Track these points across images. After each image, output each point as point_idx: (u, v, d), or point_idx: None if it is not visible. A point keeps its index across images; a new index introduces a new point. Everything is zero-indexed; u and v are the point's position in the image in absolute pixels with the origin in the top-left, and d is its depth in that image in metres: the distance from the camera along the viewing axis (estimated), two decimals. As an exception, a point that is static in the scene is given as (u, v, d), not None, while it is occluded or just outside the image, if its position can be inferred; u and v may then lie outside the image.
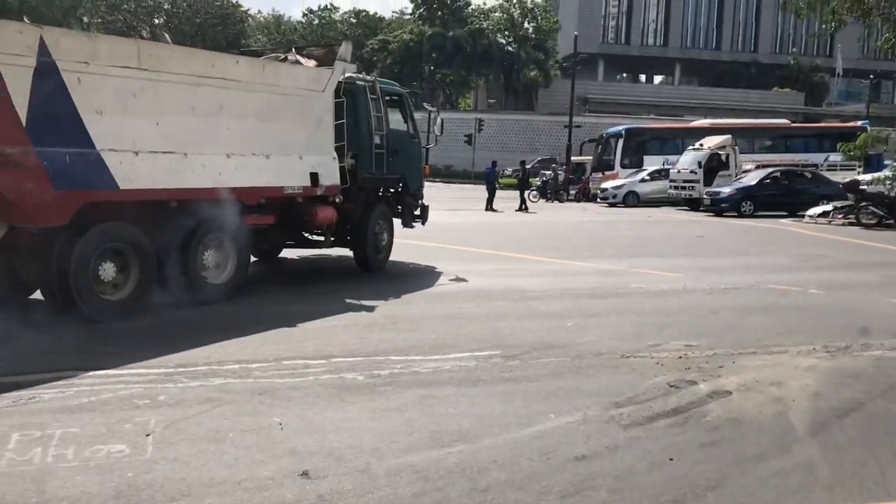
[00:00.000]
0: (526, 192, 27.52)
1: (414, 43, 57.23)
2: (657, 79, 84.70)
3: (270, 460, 4.20)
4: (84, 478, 3.92)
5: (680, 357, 6.54)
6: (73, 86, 7.18)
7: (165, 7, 65.18)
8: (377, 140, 10.99)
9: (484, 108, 61.10)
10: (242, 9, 68.43)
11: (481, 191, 27.20)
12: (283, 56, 10.90)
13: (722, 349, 6.83)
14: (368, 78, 11.35)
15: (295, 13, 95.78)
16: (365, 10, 71.94)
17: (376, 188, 11.50)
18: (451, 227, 16.01)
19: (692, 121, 42.07)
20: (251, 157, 9.04)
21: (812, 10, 21.09)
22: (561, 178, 34.95)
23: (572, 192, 35.25)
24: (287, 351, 6.50)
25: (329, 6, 71.27)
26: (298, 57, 10.84)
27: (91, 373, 5.73)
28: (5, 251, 7.14)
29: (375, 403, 5.18)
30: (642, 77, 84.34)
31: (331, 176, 10.13)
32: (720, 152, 28.43)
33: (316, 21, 70.18)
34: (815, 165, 30.69)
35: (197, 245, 8.54)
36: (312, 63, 10.68)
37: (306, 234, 10.84)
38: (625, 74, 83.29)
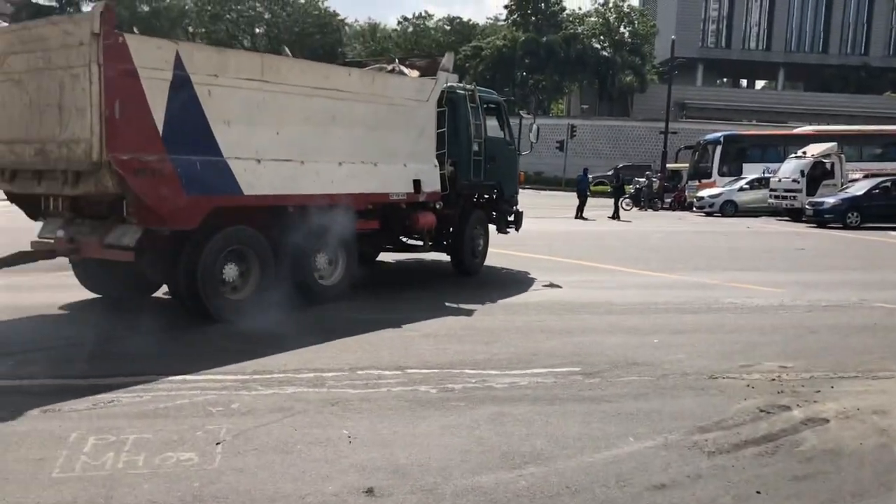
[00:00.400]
0: (620, 200, 26.88)
1: (507, 49, 56.97)
2: (759, 84, 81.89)
3: (336, 475, 4.12)
4: (151, 486, 3.93)
5: (773, 379, 6.17)
6: (204, 97, 7.61)
7: (266, 17, 67.20)
8: (475, 147, 11.40)
9: (577, 114, 60.39)
10: (339, 18, 69.97)
11: (573, 198, 26.76)
12: (388, 67, 11.25)
13: (820, 372, 6.41)
14: (468, 87, 11.75)
15: (390, 21, 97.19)
16: (459, 17, 72.21)
17: (473, 194, 11.89)
18: (538, 234, 15.72)
19: (795, 127, 40.35)
20: (360, 164, 9.43)
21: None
22: (655, 185, 34.10)
23: (667, 200, 34.37)
24: (363, 360, 6.45)
25: (423, 14, 71.96)
26: (402, 67, 11.24)
27: (170, 378, 5.81)
28: (136, 252, 7.57)
29: (447, 419, 5.05)
30: (743, 82, 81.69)
31: (432, 183, 10.48)
32: (825, 160, 27.13)
33: (410, 28, 70.86)
34: (931, 175, 28.93)
35: (310, 248, 8.95)
36: (416, 73, 11.07)
37: (404, 239, 11.16)
38: (725, 79, 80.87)
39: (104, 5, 6.88)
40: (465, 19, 71.64)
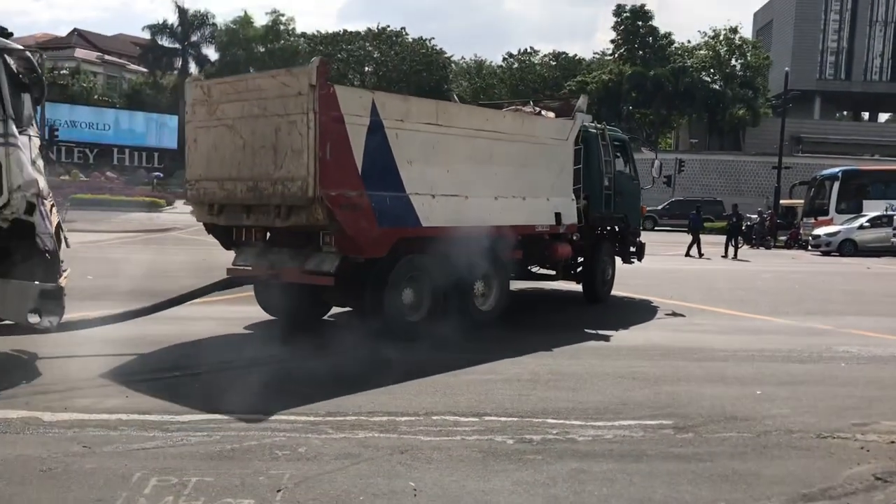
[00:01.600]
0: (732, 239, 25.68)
1: (613, 83, 56.28)
2: (882, 117, 77.89)
3: (395, 533, 3.86)
4: (203, 535, 3.77)
5: (892, 441, 5.54)
6: (392, 140, 8.65)
7: (375, 56, 68.85)
8: (606, 182, 12.45)
9: (686, 148, 58.85)
10: (446, 55, 70.94)
11: (679, 234, 25.83)
12: (525, 109, 12.16)
13: (947, 435, 5.72)
14: (599, 126, 12.74)
15: (496, 58, 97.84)
16: (564, 53, 71.94)
17: (604, 226, 12.85)
18: (641, 273, 15.11)
19: (922, 162, 37.96)
20: (512, 199, 10.36)
21: None
22: (767, 222, 32.63)
23: (782, 238, 32.82)
24: (440, 404, 6.19)
25: (529, 50, 72.04)
26: (537, 108, 12.21)
27: (244, 416, 5.71)
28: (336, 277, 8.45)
29: (521, 474, 4.72)
30: (865, 115, 77.86)
31: (570, 215, 11.39)
32: (955, 197, 25.30)
33: (515, 65, 71.11)
34: None
35: (472, 276, 9.74)
36: (551, 114, 12.00)
37: (536, 269, 12.14)
38: (845, 112, 77.33)
39: (319, 61, 8.01)
40: (570, 55, 71.39)
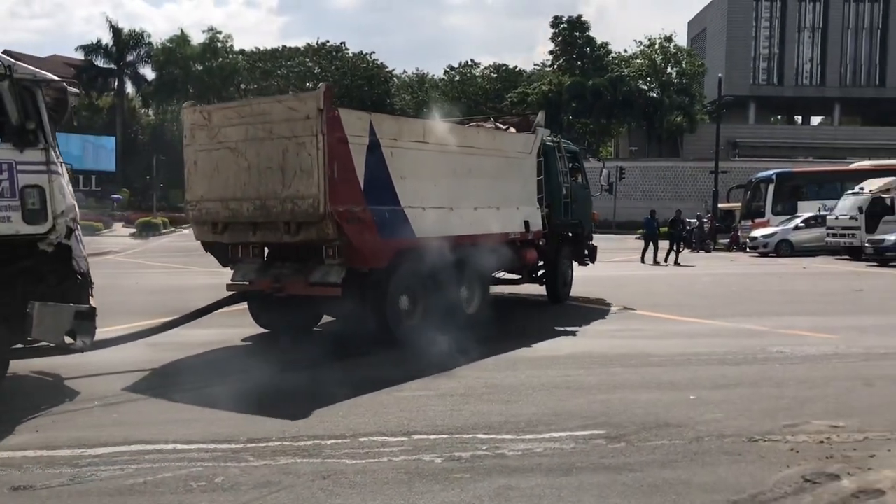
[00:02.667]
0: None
1: (553, 93, 56.84)
2: (815, 120, 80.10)
3: (310, 565, 3.66)
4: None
5: (822, 442, 5.52)
6: (388, 158, 9.29)
7: (315, 71, 68.42)
8: (564, 191, 13.43)
9: (626, 156, 59.65)
10: (387, 70, 70.88)
11: (622, 241, 25.96)
12: (487, 125, 13.01)
13: (875, 432, 5.73)
14: (556, 139, 13.78)
15: (437, 71, 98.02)
16: (505, 64, 72.48)
17: (563, 232, 13.78)
18: (581, 280, 15.09)
19: (852, 163, 39.01)
20: (488, 209, 11.13)
21: None
22: (707, 226, 33.14)
23: (722, 241, 33.36)
24: (369, 424, 5.99)
25: (470, 62, 72.42)
26: (497, 124, 13.15)
27: (160, 445, 5.45)
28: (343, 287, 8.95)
29: (447, 494, 4.55)
30: (798, 119, 79.97)
31: (536, 223, 12.33)
32: (884, 196, 25.96)
33: (457, 77, 71.39)
34: None
35: (458, 281, 10.39)
36: (512, 129, 12.85)
37: (502, 274, 12.65)
38: (779, 116, 79.30)
39: (325, 87, 8.63)
40: (511, 67, 71.95)
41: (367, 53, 69.55)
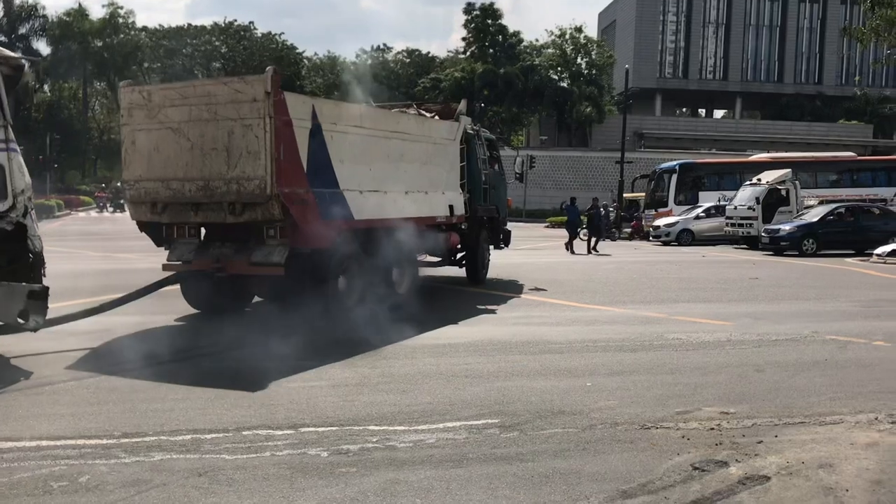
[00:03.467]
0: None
1: (465, 80, 56.94)
2: (718, 113, 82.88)
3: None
4: None
5: (712, 429, 5.54)
6: (329, 141, 9.59)
7: (223, 51, 66.55)
8: (483, 178, 14.05)
9: (536, 146, 60.32)
10: (297, 51, 69.55)
11: (532, 229, 26.03)
12: (409, 111, 13.19)
13: (763, 418, 5.80)
14: (476, 127, 14.35)
15: (349, 54, 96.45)
16: (418, 50, 72.24)
17: (482, 217, 14.18)
18: (491, 266, 15.09)
19: (752, 155, 40.46)
20: (417, 193, 11.63)
21: (877, 35, 19.77)
22: (612, 215, 33.76)
23: (626, 230, 34.04)
24: (254, 417, 5.71)
25: (382, 46, 71.80)
26: (420, 111, 13.46)
27: (23, 442, 5.03)
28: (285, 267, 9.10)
29: (330, 490, 4.33)
30: (702, 112, 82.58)
31: (459, 207, 12.95)
32: (780, 187, 26.97)
33: (369, 61, 70.68)
34: (885, 200, 28.93)
35: (390, 262, 10.72)
36: (435, 117, 13.27)
37: (424, 257, 12.85)
38: (684, 109, 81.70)
39: (273, 70, 8.79)
40: (423, 52, 71.69)
41: (276, 34, 68.05)
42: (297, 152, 9.03)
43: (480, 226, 14.09)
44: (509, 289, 13.76)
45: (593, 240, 24.01)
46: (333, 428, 5.46)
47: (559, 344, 8.66)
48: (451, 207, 12.54)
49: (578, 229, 24.62)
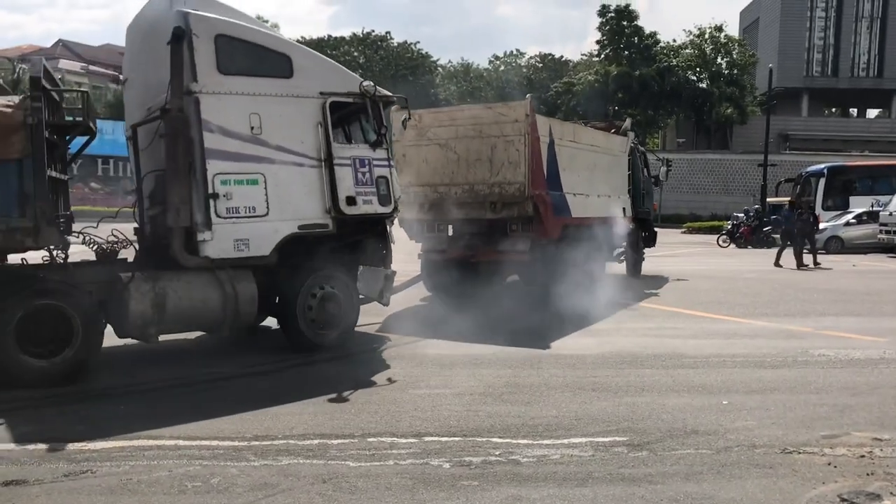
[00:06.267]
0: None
1: (599, 83, 55.87)
2: (871, 113, 77.69)
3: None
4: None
5: (862, 456, 5.12)
6: (558, 153, 11.91)
7: (361, 61, 68.37)
8: (641, 185, 16.35)
9: (673, 148, 58.47)
10: (432, 59, 70.54)
11: (670, 234, 24.92)
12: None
13: (922, 447, 5.30)
14: (635, 140, 16.53)
15: (482, 61, 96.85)
16: (551, 54, 71.64)
17: (642, 218, 16.52)
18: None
19: (910, 157, 37.60)
20: (605, 197, 14.00)
21: None
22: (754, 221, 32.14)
23: (774, 236, 32.34)
24: (378, 424, 5.76)
25: (515, 52, 71.71)
26: (588, 128, 15.17)
27: (163, 441, 5.28)
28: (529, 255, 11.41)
29: (450, 503, 4.29)
30: (853, 111, 77.64)
31: (629, 209, 15.34)
32: (942, 192, 24.89)
33: (502, 67, 70.75)
34: None
35: (594, 254, 12.54)
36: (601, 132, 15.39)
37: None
38: (833, 109, 77.10)
39: (530, 97, 11.59)
40: (557, 56, 71.07)
41: (411, 43, 69.27)
42: (542, 162, 11.26)
43: (639, 226, 16.22)
44: (644, 295, 13.38)
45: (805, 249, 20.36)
46: (456, 438, 5.43)
47: (693, 358, 8.28)
48: (623, 209, 14.75)
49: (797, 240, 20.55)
